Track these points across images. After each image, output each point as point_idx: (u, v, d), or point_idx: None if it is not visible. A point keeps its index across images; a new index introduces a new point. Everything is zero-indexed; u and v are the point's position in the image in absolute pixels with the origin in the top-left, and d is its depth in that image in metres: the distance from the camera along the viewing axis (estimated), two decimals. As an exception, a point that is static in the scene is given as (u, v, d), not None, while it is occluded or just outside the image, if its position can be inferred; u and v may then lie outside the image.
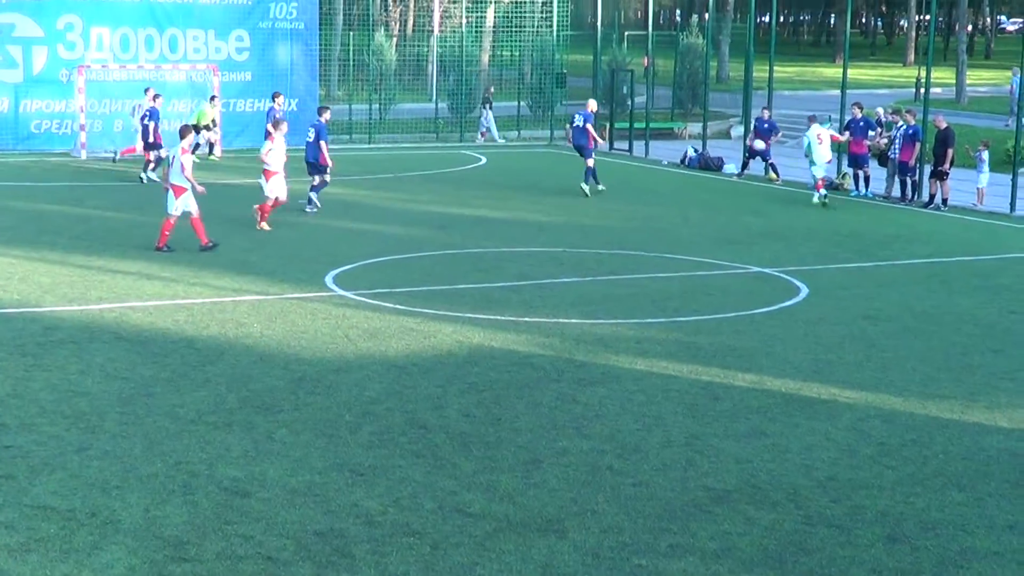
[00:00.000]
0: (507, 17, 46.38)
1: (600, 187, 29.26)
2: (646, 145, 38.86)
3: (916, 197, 28.95)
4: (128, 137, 34.52)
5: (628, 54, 47.93)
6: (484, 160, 36.54)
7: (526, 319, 16.22)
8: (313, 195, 25.28)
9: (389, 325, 15.71)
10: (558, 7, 43.74)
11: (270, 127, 30.27)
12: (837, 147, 31.96)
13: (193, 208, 20.35)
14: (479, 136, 42.15)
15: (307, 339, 14.93)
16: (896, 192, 29.40)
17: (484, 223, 24.64)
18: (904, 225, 25.67)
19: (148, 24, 36.85)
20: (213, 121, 33.89)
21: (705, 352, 14.74)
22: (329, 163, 25.17)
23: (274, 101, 31.24)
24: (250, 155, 35.00)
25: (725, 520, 9.66)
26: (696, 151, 36.25)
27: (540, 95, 45.07)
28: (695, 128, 42.29)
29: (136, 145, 31.04)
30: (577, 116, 30.13)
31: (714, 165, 35.26)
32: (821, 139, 28.81)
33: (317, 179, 25.43)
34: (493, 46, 49.77)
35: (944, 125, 28.11)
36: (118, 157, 32.98)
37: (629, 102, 41.77)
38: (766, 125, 32.40)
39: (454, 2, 46.39)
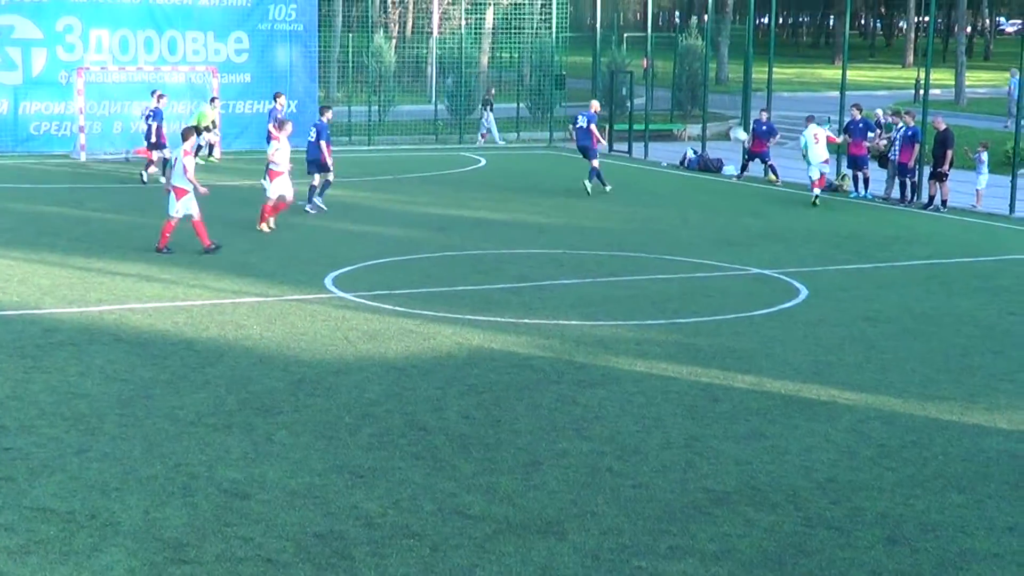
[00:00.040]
0: (506, 19, 46.40)
1: (607, 187, 29.31)
2: (645, 147, 38.87)
3: (915, 198, 28.96)
4: (136, 138, 34.87)
5: (627, 56, 47.96)
6: (483, 162, 36.55)
7: (526, 321, 16.22)
8: (318, 200, 25.36)
9: (389, 327, 15.71)
10: (557, 9, 43.75)
11: (271, 127, 30.34)
12: (836, 148, 32.01)
13: (194, 211, 20.34)
14: (480, 138, 42.14)
15: (307, 341, 14.93)
16: (895, 193, 29.41)
17: (484, 225, 24.65)
18: (903, 226, 25.68)
19: (147, 26, 36.86)
20: (213, 123, 33.89)
21: (705, 354, 14.74)
22: (330, 162, 25.26)
23: (276, 101, 31.25)
24: (249, 157, 35.10)
25: (725, 522, 9.66)
26: (695, 152, 36.26)
27: (539, 97, 45.07)
28: (694, 130, 42.31)
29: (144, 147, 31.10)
30: (580, 117, 30.14)
31: (713, 167, 35.28)
32: (818, 139, 28.95)
33: (318, 178, 25.50)
34: (492, 48, 49.78)
35: (943, 126, 28.11)
36: (132, 156, 33.06)
37: (628, 104, 41.77)
38: (764, 127, 32.40)
39: (453, 4, 46.43)
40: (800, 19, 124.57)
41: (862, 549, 9.23)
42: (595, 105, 30.93)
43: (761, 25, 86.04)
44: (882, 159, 30.07)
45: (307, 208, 25.10)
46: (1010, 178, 28.00)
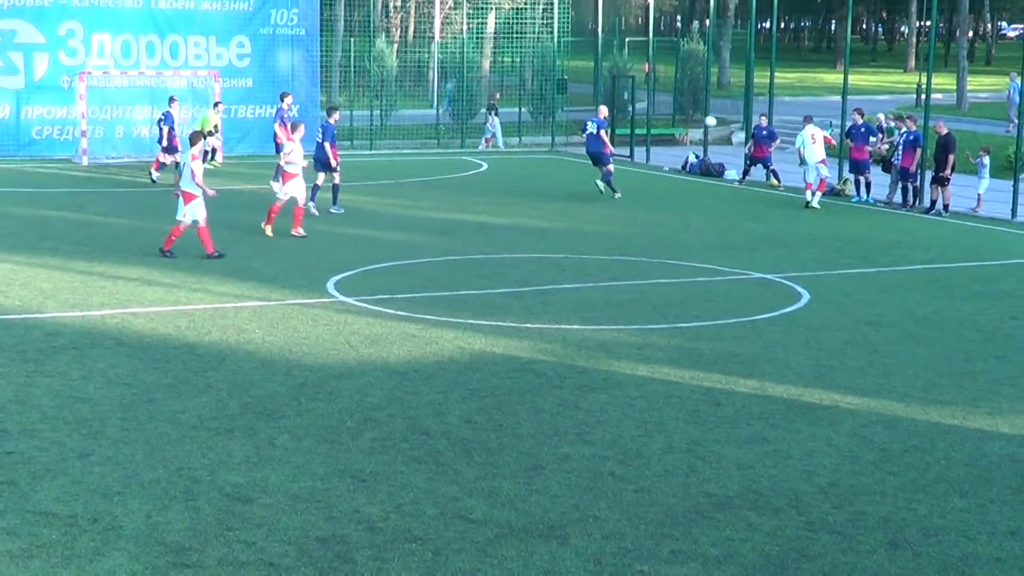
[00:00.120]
0: (508, 23, 46.43)
1: (616, 194, 29.32)
2: (647, 151, 38.87)
3: (917, 203, 28.97)
4: (138, 143, 35.35)
5: (629, 60, 47.98)
6: (485, 166, 36.56)
7: (528, 325, 16.22)
8: (311, 205, 25.44)
9: (391, 331, 15.71)
10: (559, 13, 43.78)
11: (277, 127, 30.49)
12: (838, 152, 32.04)
13: (201, 216, 20.33)
14: (483, 142, 42.13)
15: (309, 345, 14.93)
16: (897, 198, 29.42)
17: (485, 229, 24.65)
18: (905, 231, 25.68)
19: (149, 30, 36.88)
20: (215, 127, 33.94)
21: (707, 358, 14.74)
22: (335, 163, 25.40)
23: (282, 101, 31.29)
24: (252, 161, 35.14)
25: (727, 526, 9.66)
26: (697, 157, 36.27)
27: (541, 101, 45.08)
28: (696, 134, 42.32)
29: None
30: (590, 123, 30.12)
31: (715, 171, 35.29)
32: (815, 139, 29.04)
33: (322, 177, 25.61)
34: (494, 52, 49.81)
35: (945, 131, 28.12)
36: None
37: (630, 108, 41.79)
38: (765, 132, 32.37)
39: (455, 8, 46.45)
40: (802, 23, 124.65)
41: (864, 553, 9.22)
42: (604, 110, 30.96)
43: (763, 29, 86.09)
44: (885, 164, 30.09)
45: (311, 209, 25.23)
46: (1012, 182, 28.00)
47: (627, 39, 51.12)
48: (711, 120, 33.83)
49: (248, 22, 38.07)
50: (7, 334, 15.22)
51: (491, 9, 47.72)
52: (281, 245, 22.00)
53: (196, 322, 16.03)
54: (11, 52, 35.45)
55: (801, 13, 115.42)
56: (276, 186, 23.05)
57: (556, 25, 43.91)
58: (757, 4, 36.44)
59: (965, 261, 22.27)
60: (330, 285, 18.58)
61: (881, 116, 33.26)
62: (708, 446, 11.56)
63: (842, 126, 31.89)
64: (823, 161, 29.06)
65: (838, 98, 35.06)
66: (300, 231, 22.66)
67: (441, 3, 46.86)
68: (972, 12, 78.64)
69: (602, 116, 30.28)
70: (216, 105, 34.38)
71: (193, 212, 20.29)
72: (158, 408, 12.36)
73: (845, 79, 33.29)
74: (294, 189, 22.78)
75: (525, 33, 45.08)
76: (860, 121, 30.16)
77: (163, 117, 30.90)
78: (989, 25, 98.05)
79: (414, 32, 52.61)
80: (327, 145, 25.35)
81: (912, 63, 75.85)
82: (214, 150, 34.20)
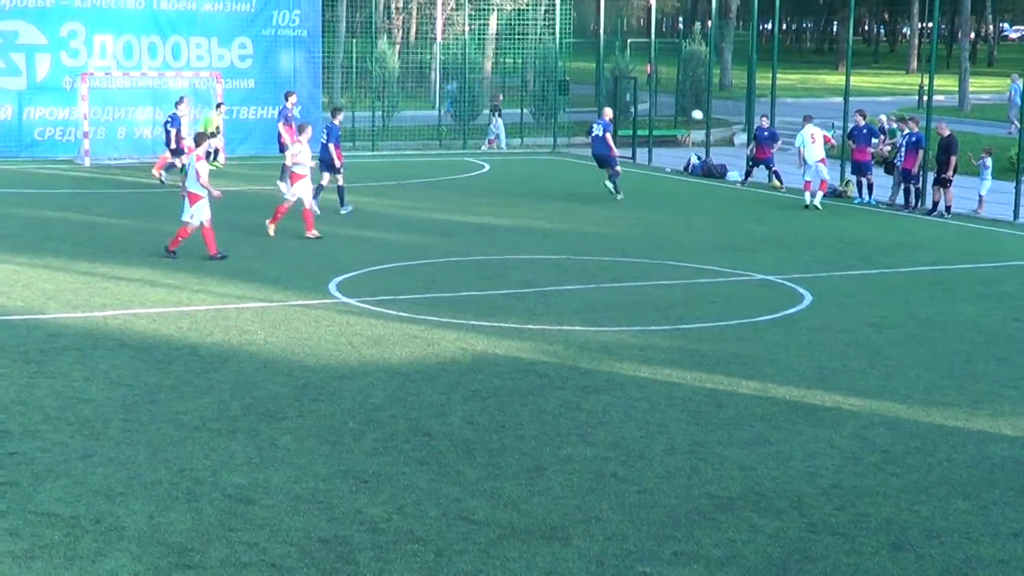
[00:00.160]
0: (510, 24, 46.44)
1: (619, 196, 29.32)
2: (649, 152, 38.86)
3: (919, 205, 28.96)
4: (140, 144, 35.43)
5: (631, 61, 47.98)
6: (487, 167, 36.56)
7: (530, 326, 16.22)
8: (313, 203, 25.43)
9: (393, 332, 15.72)
10: (561, 14, 43.78)
11: (281, 127, 30.51)
12: (840, 153, 32.04)
13: (206, 218, 20.33)
14: (486, 144, 42.13)
15: (311, 346, 14.94)
16: (899, 199, 29.41)
17: (487, 230, 24.65)
18: (908, 232, 25.67)
19: (151, 32, 36.89)
20: (217, 128, 33.94)
21: (709, 359, 14.74)
22: (339, 163, 25.48)
23: (287, 100, 31.30)
24: (253, 163, 35.15)
25: (729, 528, 9.65)
26: (699, 158, 36.26)
27: (543, 102, 45.08)
28: (698, 135, 42.31)
29: (166, 154, 31.17)
30: (596, 125, 30.12)
31: (717, 172, 35.28)
32: (814, 138, 29.09)
33: (327, 177, 25.65)
34: (496, 53, 49.81)
35: (947, 133, 28.10)
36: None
37: (632, 109, 41.79)
38: (766, 133, 32.35)
39: (457, 10, 46.46)
40: (804, 25, 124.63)
41: (867, 555, 9.22)
42: (609, 112, 30.97)
43: (765, 31, 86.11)
44: (888, 165, 30.08)
45: (341, 211, 25.48)
46: (1014, 184, 27.99)
47: (629, 40, 51.11)
48: (697, 113, 33.87)
49: (250, 23, 38.08)
50: (9, 335, 15.23)
51: (493, 10, 47.73)
52: (283, 246, 22.00)
53: (198, 323, 16.04)
54: (13, 53, 35.46)
55: (803, 14, 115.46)
56: (283, 187, 23.05)
57: (558, 26, 43.91)
58: (759, 5, 36.45)
59: (967, 263, 22.26)
60: (332, 286, 18.59)
61: (883, 117, 33.26)
62: (710, 447, 11.56)
63: (844, 128, 31.88)
64: (823, 160, 29.08)
65: (840, 99, 35.05)
66: (314, 232, 22.64)
67: (443, 4, 46.88)
68: (974, 14, 78.63)
69: (607, 118, 30.29)
70: (219, 106, 34.39)
71: (199, 212, 20.29)
72: (160, 409, 12.36)
73: (847, 80, 33.28)
74: (301, 190, 22.79)
75: (527, 34, 45.10)
76: (862, 123, 30.15)
77: (170, 119, 30.72)
78: (991, 27, 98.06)
79: (416, 33, 52.65)
80: (331, 146, 25.44)
81: (914, 65, 75.82)
82: (217, 151, 34.19)
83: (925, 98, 35.71)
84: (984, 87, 60.93)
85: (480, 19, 46.03)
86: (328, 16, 42.42)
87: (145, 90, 36.69)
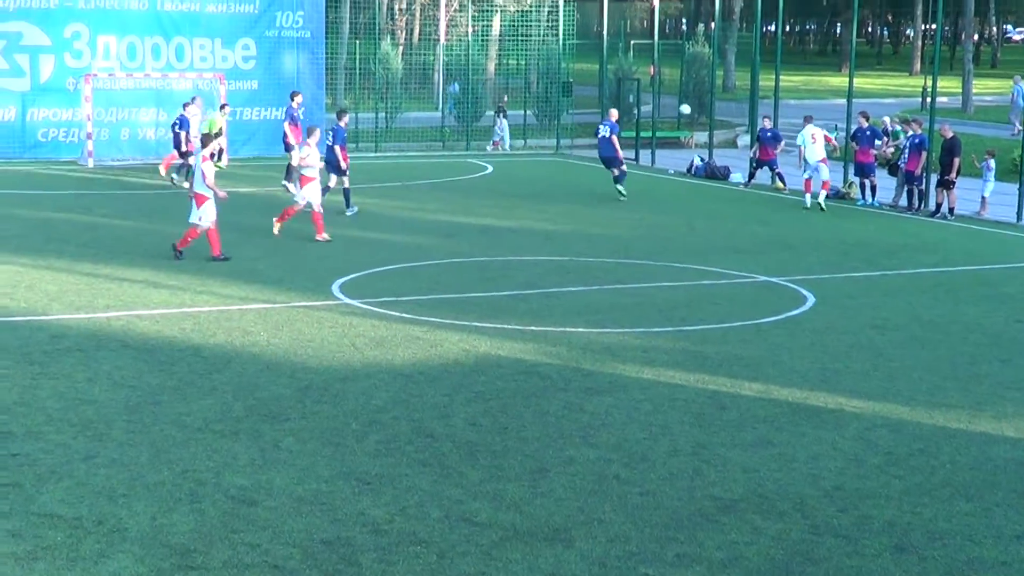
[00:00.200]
0: (513, 26, 46.45)
1: (622, 197, 29.32)
2: (652, 154, 38.86)
3: (922, 206, 28.95)
4: (144, 145, 35.74)
5: (634, 63, 48.00)
6: (490, 169, 36.57)
7: (533, 328, 16.22)
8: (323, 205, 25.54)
9: (395, 334, 15.72)
10: (564, 16, 43.79)
11: (287, 126, 30.53)
12: (843, 155, 32.03)
13: (211, 219, 20.33)
14: (491, 145, 42.11)
15: (314, 347, 14.94)
16: (903, 201, 29.41)
17: (490, 232, 24.66)
18: (911, 234, 25.66)
19: (155, 33, 36.91)
20: (220, 129, 33.96)
21: (712, 361, 14.74)
22: (344, 165, 25.52)
23: (292, 100, 31.31)
24: (256, 164, 35.17)
25: (732, 530, 9.65)
26: (702, 160, 36.26)
27: (546, 104, 45.09)
28: (701, 137, 42.31)
29: (174, 153, 31.21)
30: (602, 127, 30.16)
31: (720, 174, 35.28)
32: (815, 138, 29.14)
33: (334, 179, 25.68)
34: (499, 55, 49.82)
35: (950, 134, 28.11)
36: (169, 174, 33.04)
37: (635, 111, 41.78)
38: (769, 134, 32.34)
39: (460, 11, 46.48)
40: (807, 27, 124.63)
41: (870, 557, 9.21)
42: (614, 114, 30.98)
43: (768, 33, 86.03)
44: (891, 167, 30.07)
45: (347, 213, 25.54)
46: (1017, 186, 27.97)
47: (632, 42, 51.15)
48: (685, 108, 33.92)
49: (253, 24, 38.10)
50: (12, 336, 15.24)
51: (496, 12, 47.75)
52: (286, 247, 22.01)
53: (201, 324, 16.04)
54: (17, 54, 35.49)
55: (806, 16, 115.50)
56: (292, 188, 23.07)
57: (561, 28, 43.92)
58: (762, 7, 36.43)
59: (970, 264, 22.25)
60: (335, 287, 18.59)
61: (886, 119, 33.28)
62: (713, 449, 11.56)
63: (847, 129, 31.87)
64: (824, 160, 29.11)
65: (843, 101, 35.02)
66: (325, 236, 22.63)
67: (446, 5, 46.88)
68: (977, 15, 78.65)
69: (613, 119, 30.31)
70: (222, 107, 34.40)
71: (206, 214, 20.29)
72: (163, 410, 12.36)
73: (850, 82, 33.24)
74: (311, 193, 22.78)
75: (530, 36, 45.12)
76: (865, 124, 30.16)
77: (178, 121, 30.67)
78: (995, 28, 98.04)
79: (419, 35, 52.67)
80: (337, 148, 25.47)
81: (917, 66, 75.80)
82: (221, 151, 34.22)
83: (928, 100, 35.67)
84: (987, 89, 60.89)
85: (483, 20, 46.07)
86: (332, 17, 42.47)
87: (148, 91, 36.73)
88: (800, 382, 13.89)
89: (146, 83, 36.54)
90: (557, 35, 44.27)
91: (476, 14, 44.28)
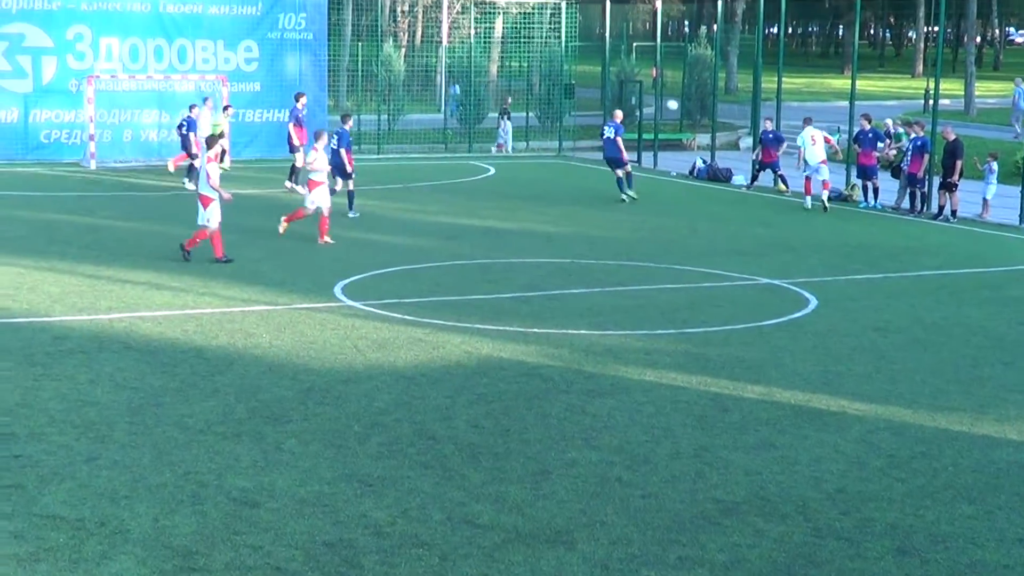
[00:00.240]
0: (515, 28, 46.44)
1: (624, 197, 29.32)
2: (654, 156, 38.84)
3: (925, 209, 28.95)
4: (147, 147, 35.91)
5: (636, 65, 48.00)
6: (493, 171, 36.58)
7: (535, 330, 16.22)
8: (350, 212, 25.68)
9: (398, 336, 15.72)
10: (566, 18, 43.79)
11: (291, 128, 30.55)
12: (846, 157, 32.02)
13: (216, 221, 20.32)
14: (495, 148, 42.10)
15: (316, 349, 14.94)
16: (905, 204, 29.40)
17: (493, 234, 24.66)
18: (913, 237, 25.65)
19: (157, 34, 36.93)
20: (223, 131, 33.95)
21: (714, 364, 14.73)
22: (350, 168, 25.55)
23: (297, 102, 31.32)
24: (259, 165, 35.18)
25: (734, 532, 9.65)
26: (705, 162, 36.26)
27: (549, 106, 45.08)
28: (704, 139, 42.29)
29: (184, 153, 31.26)
30: (607, 128, 30.18)
31: (723, 176, 35.27)
32: (815, 140, 29.20)
33: (340, 183, 25.71)
34: (501, 57, 49.82)
35: (953, 137, 28.10)
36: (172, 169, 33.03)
37: (637, 113, 41.76)
38: (771, 136, 32.33)
39: (462, 13, 46.49)
40: (809, 29, 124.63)
41: (872, 560, 9.21)
42: (619, 115, 31.01)
43: (770, 35, 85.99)
44: (894, 169, 30.06)
45: (349, 215, 25.61)
46: (1020, 188, 27.95)
47: (635, 44, 51.13)
48: (672, 104, 34.11)
49: (256, 26, 38.11)
50: (15, 338, 15.25)
51: (499, 14, 47.75)
52: (289, 249, 22.01)
53: (204, 326, 16.05)
54: (19, 56, 35.51)
55: (809, 18, 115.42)
56: (301, 189, 23.10)
57: (564, 30, 43.92)
58: (765, 9, 36.42)
59: (973, 267, 22.24)
60: (338, 289, 18.59)
61: (889, 121, 33.25)
62: (715, 452, 11.56)
63: (850, 132, 31.86)
64: (824, 162, 29.14)
65: (846, 103, 34.98)
66: (328, 240, 22.63)
67: (449, 8, 46.90)
68: (980, 18, 78.63)
69: (618, 120, 30.35)
70: (225, 109, 34.41)
71: (212, 215, 20.29)
72: (165, 412, 12.37)
73: (853, 84, 33.23)
74: (320, 197, 22.78)
75: (533, 38, 45.11)
76: (868, 127, 30.15)
77: (185, 123, 30.71)
78: (997, 31, 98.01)
79: (422, 37, 52.66)
80: (343, 151, 25.50)
81: (920, 68, 75.81)
82: (224, 152, 34.20)
83: (931, 102, 35.66)
84: (990, 91, 60.89)
85: (486, 23, 46.08)
86: (334, 19, 42.48)
87: (151, 93, 36.74)
88: (802, 385, 13.89)
89: (148, 85, 36.56)
90: (559, 37, 44.27)
91: (478, 16, 44.31)
